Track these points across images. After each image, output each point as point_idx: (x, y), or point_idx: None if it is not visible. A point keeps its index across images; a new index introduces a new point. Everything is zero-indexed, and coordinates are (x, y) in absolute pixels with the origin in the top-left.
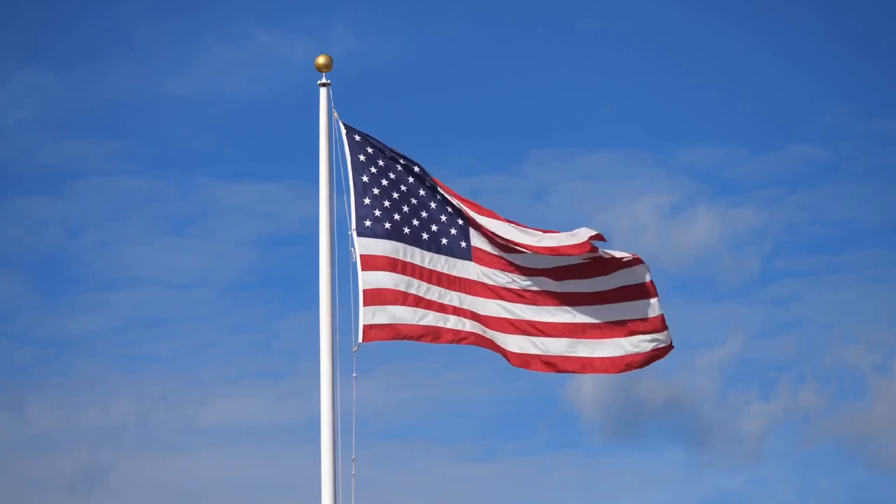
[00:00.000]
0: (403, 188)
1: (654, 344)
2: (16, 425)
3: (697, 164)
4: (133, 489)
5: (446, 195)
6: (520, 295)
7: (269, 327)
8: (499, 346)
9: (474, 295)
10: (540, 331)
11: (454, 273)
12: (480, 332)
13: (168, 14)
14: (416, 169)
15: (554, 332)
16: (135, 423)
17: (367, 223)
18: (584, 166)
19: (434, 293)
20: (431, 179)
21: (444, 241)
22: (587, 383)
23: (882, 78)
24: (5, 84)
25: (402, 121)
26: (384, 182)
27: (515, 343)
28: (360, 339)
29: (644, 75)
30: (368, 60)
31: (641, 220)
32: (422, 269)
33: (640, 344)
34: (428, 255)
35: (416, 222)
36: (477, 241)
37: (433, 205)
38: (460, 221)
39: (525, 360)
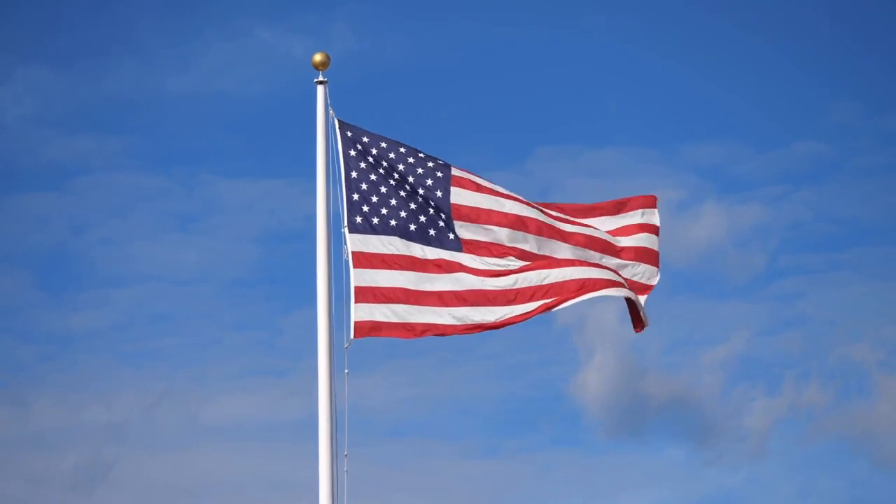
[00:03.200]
0: (392, 180)
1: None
2: (19, 422)
3: (702, 162)
4: (136, 486)
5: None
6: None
7: (273, 324)
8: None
9: (468, 273)
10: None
11: (444, 258)
12: (472, 319)
13: (168, 12)
14: (412, 159)
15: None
16: (138, 419)
17: (358, 219)
18: (589, 163)
19: (426, 284)
20: (442, 167)
21: (433, 231)
22: (591, 380)
23: (887, 75)
24: (6, 81)
25: (406, 118)
26: (373, 176)
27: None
28: (351, 336)
29: (649, 72)
30: (370, 58)
31: None
32: (412, 260)
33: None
34: (417, 246)
35: (403, 214)
36: (464, 232)
37: (422, 192)
38: (443, 216)
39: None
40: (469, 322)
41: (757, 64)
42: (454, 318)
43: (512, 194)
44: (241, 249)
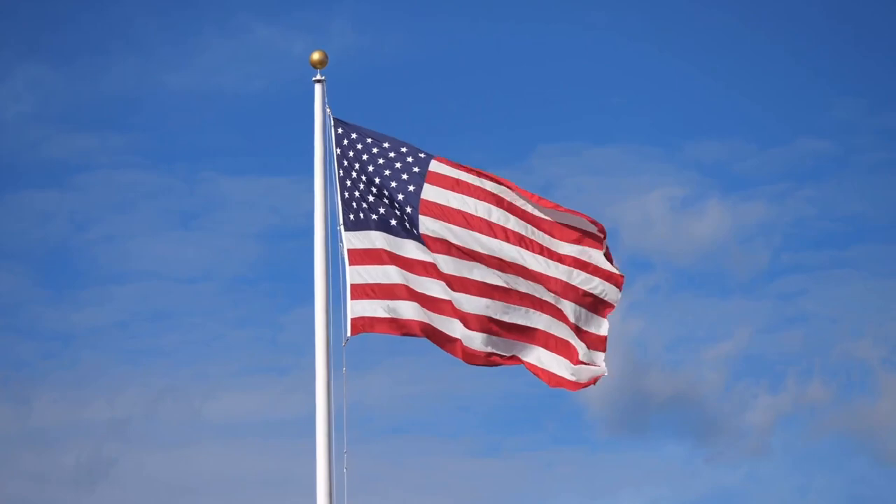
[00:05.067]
0: (371, 168)
1: (590, 373)
2: (21, 418)
3: (705, 159)
4: (137, 483)
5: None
6: (463, 283)
7: (275, 322)
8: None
9: (432, 277)
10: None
11: (418, 258)
12: (458, 336)
13: (168, 9)
14: (392, 154)
15: (476, 324)
16: (139, 416)
17: (351, 217)
18: (591, 160)
19: (415, 283)
20: (422, 161)
21: (393, 221)
22: None
23: (890, 72)
24: (5, 79)
25: (406, 115)
26: (355, 173)
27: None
28: (348, 334)
29: (652, 69)
30: (370, 55)
31: (651, 214)
32: (399, 257)
33: (579, 371)
34: (406, 243)
35: (382, 210)
36: (425, 227)
37: (393, 184)
38: (409, 210)
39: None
40: (446, 332)
41: (759, 61)
42: (436, 321)
43: (488, 191)
44: (243, 247)
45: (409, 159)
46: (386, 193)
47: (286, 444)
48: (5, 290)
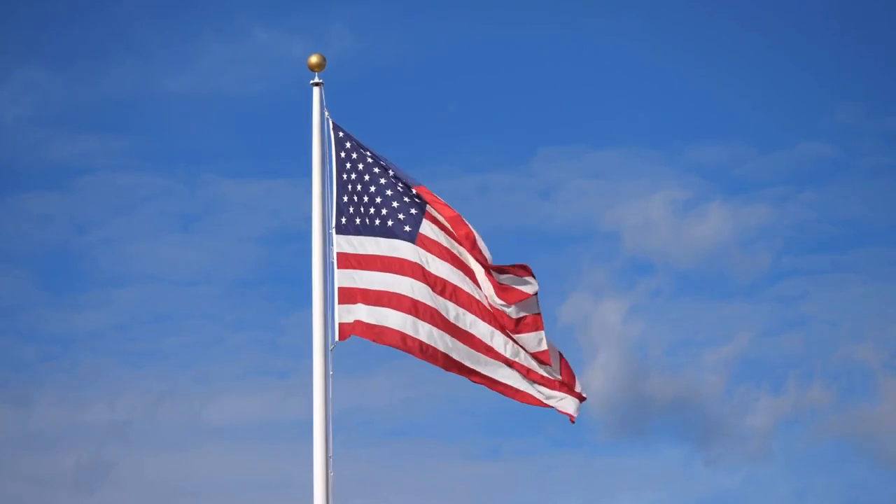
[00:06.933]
0: (368, 177)
1: (553, 401)
2: (20, 421)
3: (705, 162)
4: (137, 485)
5: (417, 193)
6: (453, 292)
7: (275, 325)
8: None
9: (420, 281)
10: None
11: (403, 257)
12: (441, 347)
13: (166, 12)
14: (382, 163)
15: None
16: (139, 419)
17: (344, 220)
18: (592, 164)
19: (399, 286)
20: (418, 204)
21: (390, 222)
22: (594, 381)
23: (890, 75)
24: (3, 82)
25: (407, 118)
26: (353, 176)
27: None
28: (336, 339)
29: (652, 73)
30: (369, 58)
31: (652, 217)
32: (396, 261)
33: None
34: (404, 245)
35: (372, 210)
36: (427, 230)
37: (389, 192)
38: (413, 211)
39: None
40: (432, 345)
41: (760, 64)
42: (423, 332)
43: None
44: (243, 249)
45: (406, 198)
46: (384, 193)
47: (285, 447)
48: (6, 292)
